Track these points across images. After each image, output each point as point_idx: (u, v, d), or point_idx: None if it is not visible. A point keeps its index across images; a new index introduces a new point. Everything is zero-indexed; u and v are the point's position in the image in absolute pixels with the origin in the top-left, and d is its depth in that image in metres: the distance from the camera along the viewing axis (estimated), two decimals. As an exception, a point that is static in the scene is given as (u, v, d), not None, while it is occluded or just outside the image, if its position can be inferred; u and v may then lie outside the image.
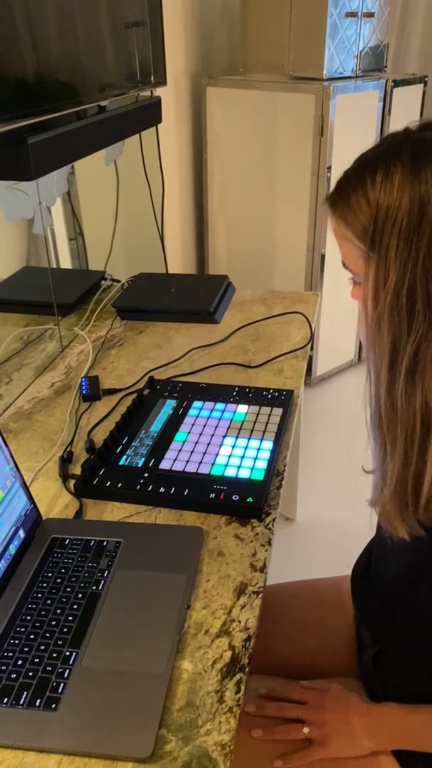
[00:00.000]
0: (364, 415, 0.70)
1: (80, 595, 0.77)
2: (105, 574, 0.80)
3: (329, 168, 2.33)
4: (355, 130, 2.39)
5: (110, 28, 1.34)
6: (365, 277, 0.65)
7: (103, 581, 0.79)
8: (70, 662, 0.69)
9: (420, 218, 0.59)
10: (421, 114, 2.67)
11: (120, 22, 1.39)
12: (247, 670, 0.69)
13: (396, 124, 2.49)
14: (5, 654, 0.70)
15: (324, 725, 0.80)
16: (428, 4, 2.83)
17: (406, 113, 2.56)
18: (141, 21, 1.49)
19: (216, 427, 1.09)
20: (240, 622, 0.75)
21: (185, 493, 0.93)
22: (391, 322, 0.63)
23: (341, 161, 2.52)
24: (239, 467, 0.99)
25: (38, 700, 0.65)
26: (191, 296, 1.61)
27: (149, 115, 1.48)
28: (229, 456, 1.01)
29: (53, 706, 0.65)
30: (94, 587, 0.78)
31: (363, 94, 2.37)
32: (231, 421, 1.11)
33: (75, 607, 0.76)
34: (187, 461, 1.00)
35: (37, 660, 0.69)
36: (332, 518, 1.78)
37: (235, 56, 2.67)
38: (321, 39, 2.26)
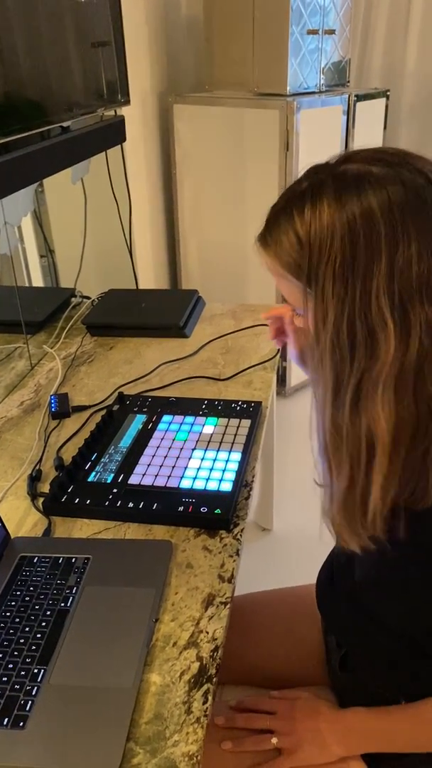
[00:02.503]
0: (311, 440, 0.72)
1: (48, 613, 0.77)
2: (74, 591, 0.80)
3: (296, 181, 2.37)
4: (320, 143, 2.43)
5: (75, 48, 1.36)
6: (305, 311, 0.65)
7: (71, 598, 0.79)
8: (39, 679, 0.69)
9: (353, 253, 0.59)
10: (385, 127, 2.72)
11: (84, 43, 1.41)
12: (214, 680, 0.70)
13: (360, 137, 2.56)
14: (-27, 674, 0.70)
15: (293, 734, 0.81)
16: (388, 20, 2.90)
17: (369, 126, 2.62)
18: (105, 41, 1.51)
19: (185, 441, 1.10)
20: (208, 633, 0.75)
21: (154, 507, 0.94)
22: (333, 357, 0.63)
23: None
24: (208, 479, 1.00)
25: (6, 719, 0.65)
26: (161, 311, 1.62)
27: (113, 134, 1.50)
28: (198, 468, 1.02)
29: (21, 724, 0.65)
30: (62, 604, 0.78)
31: (327, 108, 2.42)
32: (200, 434, 1.12)
33: (43, 624, 0.76)
34: (156, 475, 1.01)
35: (5, 678, 0.69)
36: (309, 528, 1.77)
37: (201, 74, 2.70)
38: (284, 56, 2.31)
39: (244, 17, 2.36)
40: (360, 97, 2.51)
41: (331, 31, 2.44)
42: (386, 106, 2.70)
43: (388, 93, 2.70)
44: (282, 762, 0.80)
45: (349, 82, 2.67)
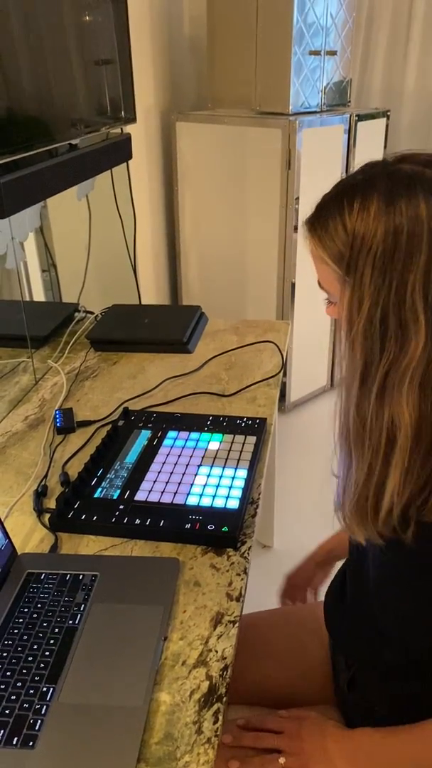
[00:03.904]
0: (333, 427, 0.73)
1: (57, 630, 0.77)
2: (81, 608, 0.80)
3: (297, 199, 2.39)
4: (321, 162, 2.45)
5: (81, 66, 1.37)
6: (340, 299, 0.68)
7: (79, 615, 0.79)
8: (48, 698, 0.69)
9: (393, 248, 0.62)
10: (385, 147, 2.75)
11: (90, 61, 1.43)
12: (224, 699, 0.70)
13: (361, 157, 2.58)
14: (-19, 692, 0.69)
15: (300, 754, 0.80)
16: (388, 42, 2.94)
17: (370, 146, 2.64)
18: (111, 59, 1.53)
19: (191, 457, 1.10)
20: (217, 651, 0.75)
21: (161, 524, 0.94)
22: (365, 345, 0.66)
23: (309, 193, 2.60)
24: (214, 496, 1.00)
25: (15, 738, 0.65)
26: (165, 327, 1.63)
27: (120, 151, 1.51)
28: (204, 485, 1.02)
29: (30, 743, 0.64)
30: (70, 621, 0.78)
31: (328, 128, 2.45)
32: (205, 450, 1.12)
33: (52, 642, 0.75)
34: (163, 491, 1.01)
35: (13, 697, 0.69)
36: (310, 544, 1.77)
37: (203, 92, 2.73)
38: (286, 76, 2.34)
39: (246, 37, 2.39)
40: (361, 117, 2.54)
41: (333, 52, 2.48)
42: (387, 126, 2.73)
43: (389, 113, 2.73)
44: None
45: (350, 101, 2.70)
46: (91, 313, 1.75)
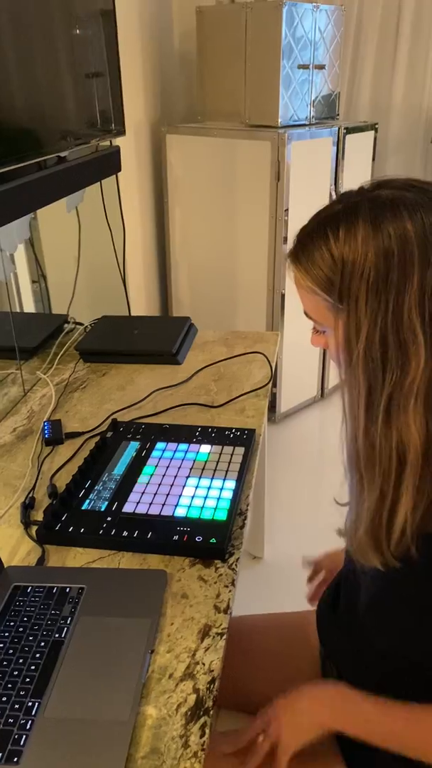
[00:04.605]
0: (342, 454, 0.73)
1: (43, 644, 0.76)
2: (68, 621, 0.79)
3: (286, 211, 2.41)
4: (310, 174, 2.47)
5: (71, 79, 1.38)
6: (335, 326, 0.68)
7: (66, 628, 0.78)
8: (33, 713, 0.68)
9: (386, 270, 0.63)
10: (373, 159, 2.78)
11: (80, 74, 1.43)
12: (211, 713, 0.69)
13: (349, 169, 2.61)
14: (-34, 708, 0.69)
15: (275, 720, 0.81)
16: (376, 56, 2.98)
17: (358, 158, 2.67)
18: (100, 72, 1.54)
19: (179, 468, 1.10)
20: (204, 664, 0.75)
21: (148, 536, 0.94)
22: (366, 369, 0.66)
23: (298, 205, 2.61)
24: (202, 508, 0.99)
25: (0, 754, 0.64)
26: (154, 338, 1.63)
27: (109, 164, 1.52)
28: (193, 497, 1.02)
29: (15, 759, 0.64)
30: (57, 635, 0.78)
31: (317, 140, 2.47)
32: (194, 461, 1.12)
33: (38, 655, 0.75)
34: (151, 503, 1.01)
35: (-2, 712, 0.68)
36: (299, 555, 1.77)
37: (193, 105, 2.75)
38: (275, 89, 2.36)
39: (236, 51, 2.41)
40: (349, 130, 2.57)
41: (321, 66, 2.50)
42: (375, 139, 2.76)
43: (377, 126, 2.76)
44: (280, 756, 0.80)
45: (338, 115, 2.73)
46: (81, 324, 1.75)
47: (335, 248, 0.66)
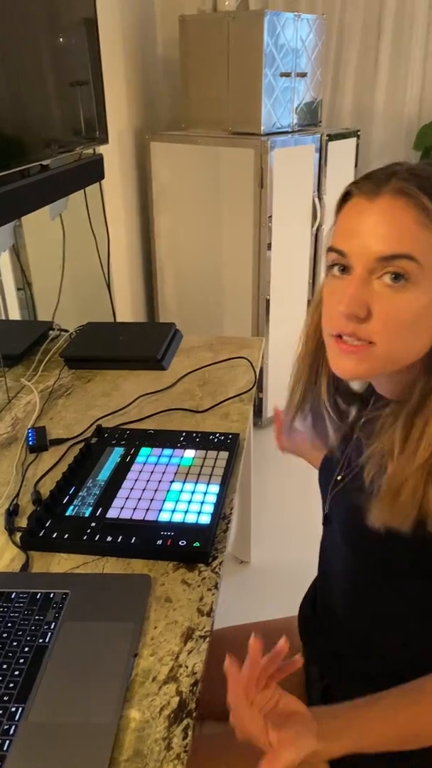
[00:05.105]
0: None
1: (27, 649, 0.77)
2: (52, 626, 0.80)
3: (270, 218, 2.42)
4: (293, 181, 2.50)
5: (55, 88, 1.39)
6: None
7: (50, 633, 0.79)
8: (16, 718, 0.68)
9: None
10: (356, 165, 2.80)
11: (62, 82, 1.44)
12: (194, 715, 0.70)
13: (332, 176, 2.63)
14: None
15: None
16: (357, 63, 3.01)
17: (341, 165, 2.70)
18: (84, 80, 1.55)
19: (163, 473, 1.11)
20: (187, 667, 0.75)
21: (132, 541, 0.94)
22: None
23: (281, 211, 2.62)
24: (186, 512, 1.00)
25: (-17, 760, 0.64)
26: (139, 344, 1.64)
27: (92, 172, 1.53)
28: (177, 501, 1.03)
29: (-2, 764, 0.64)
30: (40, 640, 0.78)
31: (300, 147, 2.49)
32: (178, 466, 1.13)
33: (21, 661, 0.75)
34: (135, 509, 1.01)
35: (-18, 718, 0.68)
36: (287, 560, 1.80)
37: (177, 113, 2.77)
38: (257, 97, 2.38)
39: (219, 59, 2.43)
40: (332, 137, 2.60)
41: (303, 74, 2.53)
42: (357, 145, 2.79)
43: (359, 132, 2.79)
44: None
45: (321, 121, 2.76)
46: (66, 331, 1.75)
47: None
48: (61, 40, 1.42)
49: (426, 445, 0.67)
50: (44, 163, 1.30)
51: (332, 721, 0.70)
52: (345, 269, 0.69)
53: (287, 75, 2.45)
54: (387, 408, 0.73)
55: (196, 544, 0.93)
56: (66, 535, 0.95)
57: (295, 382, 0.85)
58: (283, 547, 2.13)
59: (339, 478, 0.85)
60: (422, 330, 0.67)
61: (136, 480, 1.09)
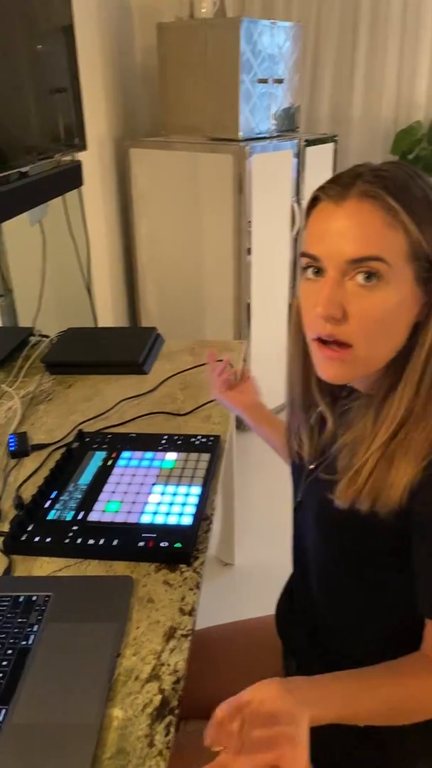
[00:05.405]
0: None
1: (10, 651, 0.77)
2: (35, 629, 0.80)
3: (250, 223, 2.44)
4: (272, 186, 2.52)
5: (34, 95, 1.40)
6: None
7: (33, 635, 0.79)
8: (0, 719, 0.69)
9: None
10: (334, 170, 2.84)
11: (41, 90, 1.45)
12: (176, 712, 0.71)
13: (311, 180, 2.66)
14: None
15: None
16: (334, 69, 3.05)
17: (319, 170, 2.73)
18: (62, 88, 1.56)
19: (145, 476, 1.12)
20: (169, 665, 0.76)
21: (114, 543, 0.95)
22: None
23: (261, 216, 2.64)
24: (168, 514, 1.01)
25: (-34, 762, 0.65)
26: (120, 349, 1.64)
27: (70, 179, 1.54)
28: (158, 503, 1.04)
29: (-18, 766, 0.64)
30: (23, 642, 0.78)
31: (278, 153, 2.52)
32: (160, 469, 1.14)
33: (4, 663, 0.76)
34: (117, 511, 1.02)
35: (-35, 721, 0.69)
36: (271, 561, 1.80)
37: (156, 119, 2.79)
38: (235, 103, 2.41)
39: (196, 66, 2.46)
40: (310, 142, 2.63)
41: (280, 80, 2.56)
42: (335, 150, 2.82)
43: (336, 138, 2.82)
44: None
45: (298, 127, 2.79)
46: (46, 336, 1.75)
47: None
48: (38, 47, 1.43)
49: (385, 428, 0.69)
50: (23, 170, 1.31)
51: (313, 691, 0.69)
52: (319, 272, 0.71)
53: (264, 81, 2.48)
54: (360, 400, 0.76)
55: (178, 544, 0.94)
56: (48, 539, 0.96)
57: (290, 382, 0.87)
58: (266, 549, 2.14)
59: (312, 466, 0.87)
60: (395, 328, 0.70)
61: (117, 483, 1.09)
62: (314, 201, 0.73)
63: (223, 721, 0.62)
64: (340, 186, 0.69)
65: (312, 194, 0.74)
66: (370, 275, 0.67)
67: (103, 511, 1.02)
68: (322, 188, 0.72)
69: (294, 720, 0.61)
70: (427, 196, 0.68)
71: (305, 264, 0.72)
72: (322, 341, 0.71)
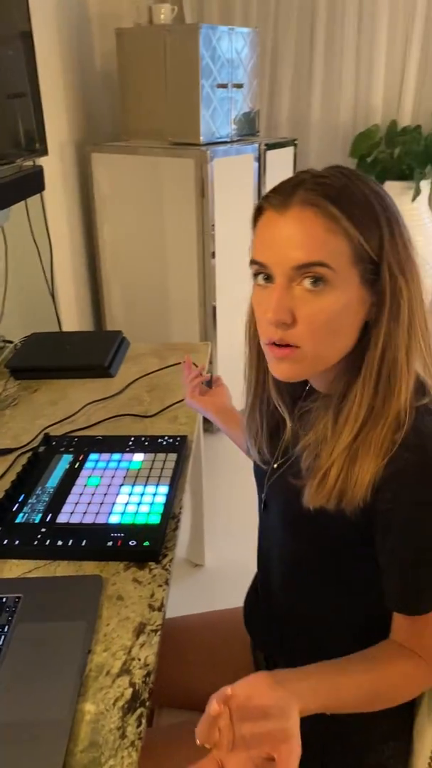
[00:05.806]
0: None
1: (-20, 653, 0.78)
2: (5, 629, 0.81)
3: (213, 226, 2.47)
4: (234, 190, 2.55)
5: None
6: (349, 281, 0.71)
7: (3, 636, 0.80)
8: (-28, 720, 0.69)
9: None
10: (294, 173, 2.88)
11: (1, 95, 1.45)
12: (147, 704, 0.72)
13: (272, 183, 2.67)
14: None
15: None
16: (293, 74, 3.10)
17: (280, 173, 2.76)
18: (21, 93, 1.56)
19: (113, 477, 1.13)
20: (140, 659, 0.78)
21: (83, 543, 0.96)
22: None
23: (224, 219, 2.66)
24: (136, 513, 1.02)
25: None
26: (86, 352, 1.65)
27: (31, 184, 1.54)
28: (126, 503, 1.05)
29: None
30: (-6, 644, 0.79)
31: (239, 157, 2.55)
32: (127, 470, 1.15)
33: (-25, 665, 0.76)
34: (85, 512, 1.03)
35: None
36: (241, 562, 1.82)
37: (118, 124, 2.80)
38: (195, 108, 2.43)
39: (156, 71, 2.47)
40: (270, 146, 2.66)
41: (240, 85, 2.59)
42: (295, 154, 2.87)
43: (296, 141, 2.87)
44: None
45: (259, 131, 2.83)
46: (10, 342, 1.75)
47: (380, 192, 0.72)
48: (-4, 53, 1.43)
49: (348, 429, 0.72)
50: (-17, 175, 1.31)
51: (300, 683, 0.69)
52: (269, 278, 0.74)
53: (224, 86, 2.51)
54: (319, 401, 0.78)
55: (147, 543, 0.95)
56: (17, 541, 0.96)
57: (248, 385, 0.90)
58: (237, 549, 2.16)
59: (276, 465, 0.89)
60: (343, 329, 0.73)
61: (85, 485, 1.10)
62: (259, 210, 0.75)
63: (216, 717, 0.62)
64: (282, 195, 0.72)
65: (257, 204, 0.76)
66: (316, 280, 0.70)
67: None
68: (266, 197, 0.74)
69: (284, 713, 0.62)
70: (368, 199, 0.70)
71: (255, 271, 0.75)
72: (274, 343, 0.74)
